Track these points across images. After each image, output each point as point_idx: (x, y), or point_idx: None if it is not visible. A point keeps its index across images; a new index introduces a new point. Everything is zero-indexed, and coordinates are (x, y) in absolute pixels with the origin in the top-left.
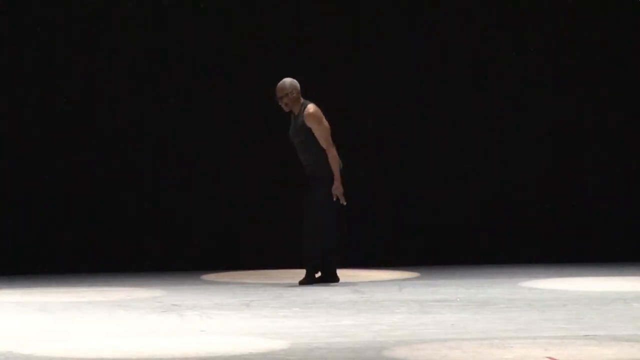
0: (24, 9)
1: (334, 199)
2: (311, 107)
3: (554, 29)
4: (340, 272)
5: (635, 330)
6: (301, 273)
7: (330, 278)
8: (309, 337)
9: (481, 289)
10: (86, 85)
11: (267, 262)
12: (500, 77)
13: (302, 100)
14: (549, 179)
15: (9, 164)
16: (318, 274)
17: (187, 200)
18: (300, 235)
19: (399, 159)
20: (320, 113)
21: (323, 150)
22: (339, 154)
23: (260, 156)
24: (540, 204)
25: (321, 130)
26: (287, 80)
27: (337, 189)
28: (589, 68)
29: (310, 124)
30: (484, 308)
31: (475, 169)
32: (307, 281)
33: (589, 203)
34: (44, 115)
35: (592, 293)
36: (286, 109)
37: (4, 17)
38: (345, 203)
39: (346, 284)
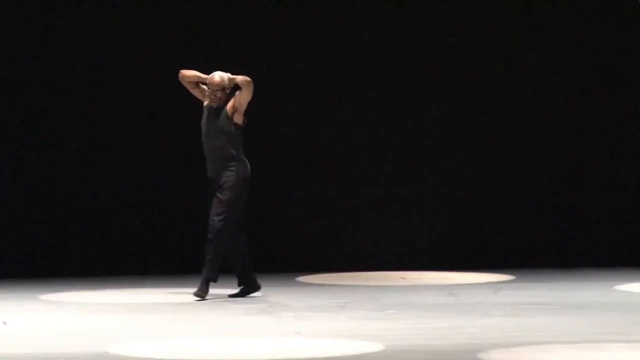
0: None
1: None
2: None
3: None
4: (436, 275)
5: None
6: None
7: (252, 288)
8: (403, 340)
9: (576, 292)
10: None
11: (360, 265)
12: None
13: None
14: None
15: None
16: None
17: None
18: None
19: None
20: None
21: (238, 155)
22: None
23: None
24: (636, 207)
25: (249, 95)
26: (224, 75)
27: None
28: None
29: (246, 86)
30: (579, 311)
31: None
32: (201, 293)
33: None
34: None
35: None
36: (216, 104)
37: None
38: None
39: (441, 286)
